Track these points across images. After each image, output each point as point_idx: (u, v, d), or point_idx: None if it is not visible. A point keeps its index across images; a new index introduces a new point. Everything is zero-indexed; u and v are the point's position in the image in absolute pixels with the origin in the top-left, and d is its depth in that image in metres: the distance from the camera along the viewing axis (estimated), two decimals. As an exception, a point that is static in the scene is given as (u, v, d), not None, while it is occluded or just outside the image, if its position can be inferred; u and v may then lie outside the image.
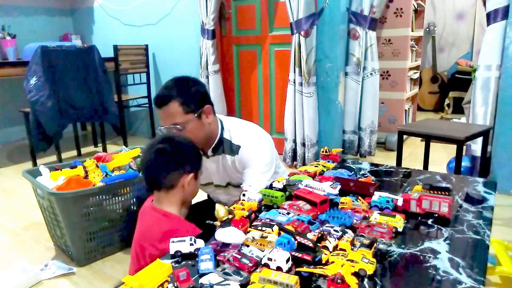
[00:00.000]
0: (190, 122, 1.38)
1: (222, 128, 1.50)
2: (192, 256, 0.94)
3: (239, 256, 0.87)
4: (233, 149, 1.47)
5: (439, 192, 1.15)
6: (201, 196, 1.81)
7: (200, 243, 0.96)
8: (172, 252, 0.94)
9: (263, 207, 1.18)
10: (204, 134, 1.43)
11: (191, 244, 0.94)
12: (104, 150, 3.79)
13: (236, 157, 1.47)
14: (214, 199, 1.74)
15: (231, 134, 1.49)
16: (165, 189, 1.26)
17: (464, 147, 2.70)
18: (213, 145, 1.47)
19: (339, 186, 1.24)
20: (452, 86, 5.10)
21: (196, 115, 1.39)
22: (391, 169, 1.60)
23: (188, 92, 1.37)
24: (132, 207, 2.02)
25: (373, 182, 1.30)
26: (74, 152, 3.89)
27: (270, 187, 1.28)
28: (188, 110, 1.38)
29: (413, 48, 3.88)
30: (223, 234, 0.94)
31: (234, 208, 1.10)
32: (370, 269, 0.83)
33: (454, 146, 2.13)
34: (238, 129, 1.51)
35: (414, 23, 3.84)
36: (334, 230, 0.96)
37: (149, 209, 1.30)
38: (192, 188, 1.31)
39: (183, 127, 1.37)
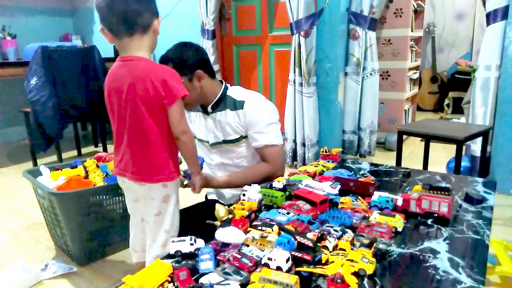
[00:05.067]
0: None
1: (226, 88, 1.62)
2: (192, 256, 0.94)
3: (239, 256, 0.88)
4: (237, 104, 1.56)
5: (438, 192, 1.15)
6: (201, 196, 1.82)
7: (200, 242, 0.96)
8: (172, 251, 0.95)
9: (263, 207, 1.19)
10: (197, 95, 1.54)
11: (191, 244, 0.95)
12: (105, 150, 3.79)
13: (240, 111, 1.55)
14: (208, 165, 1.72)
15: (235, 93, 1.61)
16: (139, 32, 1.17)
17: (464, 147, 2.71)
18: (213, 102, 1.58)
19: (339, 186, 1.24)
20: (452, 86, 5.10)
21: (187, 77, 1.50)
22: (391, 169, 1.60)
23: (182, 57, 1.50)
24: (132, 207, 2.02)
25: (372, 182, 1.30)
26: (74, 152, 3.89)
27: (270, 187, 1.28)
28: (180, 73, 1.45)
29: (413, 48, 3.88)
30: (223, 234, 0.94)
31: (234, 208, 1.10)
32: (369, 268, 0.83)
33: (454, 146, 2.13)
34: (242, 90, 1.64)
35: (414, 23, 3.85)
36: (334, 230, 0.97)
37: (117, 66, 1.22)
38: (156, 36, 1.25)
39: None
